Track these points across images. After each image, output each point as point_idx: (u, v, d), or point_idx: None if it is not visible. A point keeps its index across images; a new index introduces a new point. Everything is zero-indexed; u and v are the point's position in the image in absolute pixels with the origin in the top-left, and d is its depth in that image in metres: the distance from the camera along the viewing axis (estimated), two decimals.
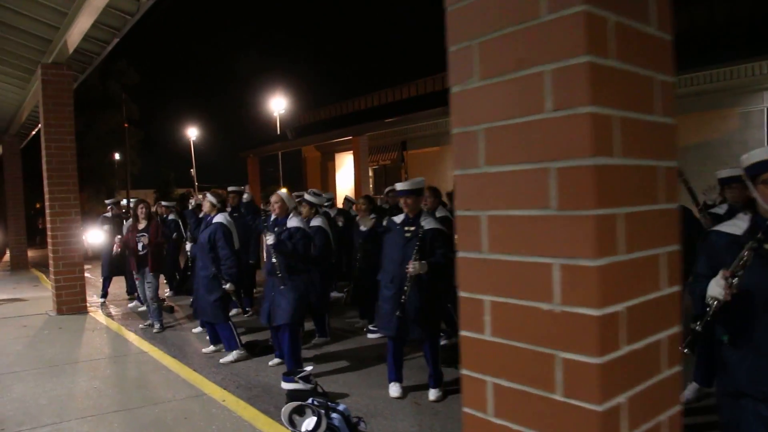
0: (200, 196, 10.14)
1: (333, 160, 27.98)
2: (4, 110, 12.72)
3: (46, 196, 8.52)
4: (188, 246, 7.91)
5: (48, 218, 8.51)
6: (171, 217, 10.83)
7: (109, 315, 8.65)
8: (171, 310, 8.80)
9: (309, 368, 4.84)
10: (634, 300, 1.29)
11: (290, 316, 5.27)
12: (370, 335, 6.89)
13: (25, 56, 8.77)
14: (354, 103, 26.60)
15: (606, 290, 1.21)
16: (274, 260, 5.32)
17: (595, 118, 1.19)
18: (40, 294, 10.66)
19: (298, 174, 33.43)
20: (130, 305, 9.32)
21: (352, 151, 26.10)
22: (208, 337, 6.43)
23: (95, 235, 11.11)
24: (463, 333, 1.48)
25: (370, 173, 23.61)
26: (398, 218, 4.90)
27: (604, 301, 1.21)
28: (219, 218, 6.02)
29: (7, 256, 16.59)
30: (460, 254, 1.47)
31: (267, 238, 5.32)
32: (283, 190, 5.88)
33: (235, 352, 5.91)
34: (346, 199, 9.83)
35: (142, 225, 7.52)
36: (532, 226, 1.29)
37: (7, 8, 7.30)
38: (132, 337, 6.89)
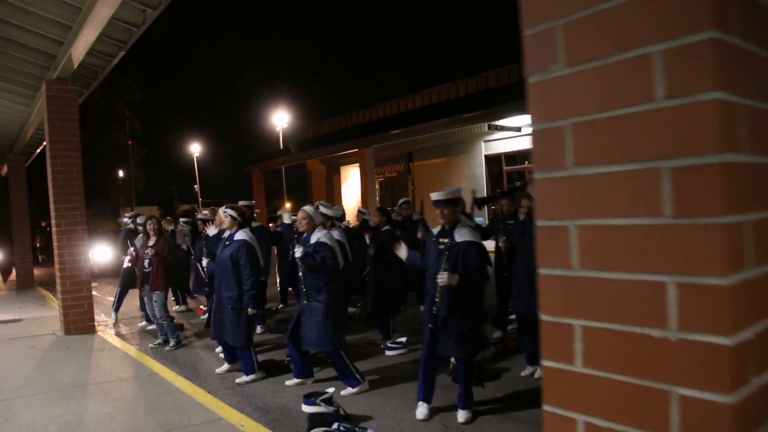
0: (206, 212, 10.01)
1: (338, 173, 27.83)
2: (9, 128, 12.59)
3: (52, 214, 8.35)
4: (204, 262, 7.68)
5: (54, 236, 8.33)
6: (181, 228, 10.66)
7: (118, 334, 8.45)
8: (180, 328, 8.58)
9: (331, 390, 4.61)
10: (763, 323, 1.08)
11: (330, 342, 5.20)
12: (389, 352, 6.66)
13: (30, 72, 8.64)
14: (359, 116, 26.50)
15: (738, 313, 1.00)
16: (299, 273, 5.29)
17: (723, 106, 0.98)
18: (47, 313, 10.47)
19: (303, 188, 33.31)
20: (140, 324, 9.11)
21: (358, 164, 25.98)
22: (222, 356, 6.20)
23: (102, 252, 10.97)
24: (546, 363, 1.27)
25: (377, 185, 23.40)
26: (436, 229, 4.68)
27: (736, 326, 1.00)
28: (242, 235, 5.78)
29: (13, 275, 16.42)
30: (542, 271, 1.26)
31: (295, 250, 5.20)
32: (309, 206, 5.63)
33: (253, 374, 5.68)
34: (360, 212, 9.61)
35: (152, 241, 7.34)
36: (638, 237, 1.09)
37: (10, 24, 7.17)
38: (142, 358, 6.67)
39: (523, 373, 5.54)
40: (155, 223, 7.41)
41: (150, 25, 7.30)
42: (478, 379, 5.34)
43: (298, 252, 5.16)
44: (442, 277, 4.28)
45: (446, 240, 4.46)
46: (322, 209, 6.71)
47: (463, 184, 22.12)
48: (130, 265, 8.51)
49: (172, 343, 7.38)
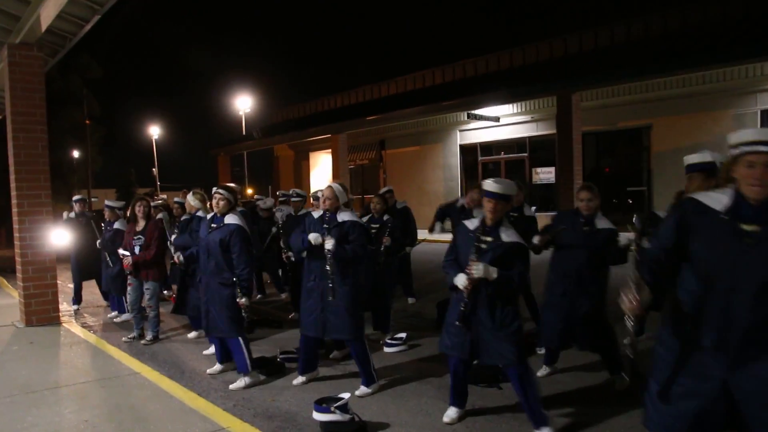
0: (175, 196, 9.33)
1: (307, 159, 27.19)
2: None
3: (13, 193, 7.59)
4: (172, 249, 6.90)
5: (15, 217, 7.57)
6: (159, 216, 9.92)
7: (85, 326, 7.76)
8: None
9: (346, 396, 4.12)
10: None
11: (355, 328, 4.81)
12: (387, 349, 6.20)
13: None
14: (330, 101, 25.84)
15: None
16: (327, 267, 4.75)
17: None
18: (3, 302, 9.67)
19: (267, 173, 32.37)
20: (110, 315, 8.40)
21: (328, 150, 25.37)
22: (215, 356, 5.61)
23: (60, 236, 10.10)
24: None
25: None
26: (471, 223, 4.11)
27: None
28: (233, 219, 5.19)
29: None
30: None
31: (326, 242, 4.70)
32: (335, 183, 5.07)
33: (247, 378, 5.10)
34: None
35: (140, 226, 6.70)
36: None
37: None
38: (117, 354, 6.04)
39: (539, 373, 5.13)
40: (145, 206, 6.76)
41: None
42: (493, 379, 4.95)
43: (330, 245, 4.67)
44: (477, 268, 3.77)
45: (489, 239, 3.92)
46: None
47: (436, 173, 21.80)
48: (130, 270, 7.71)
49: (149, 336, 6.77)
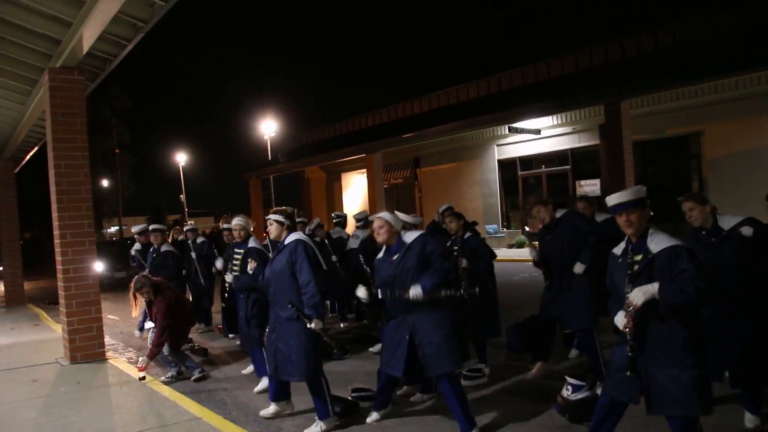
0: (205, 221, 8.91)
1: (339, 180, 26.79)
2: (0, 130, 11.41)
3: (55, 224, 7.22)
4: (228, 277, 6.43)
5: (58, 249, 7.19)
6: (200, 240, 9.52)
7: (132, 362, 7.32)
8: (204, 353, 7.48)
9: None
10: None
11: (455, 360, 4.29)
12: (465, 382, 5.61)
13: (29, 62, 7.52)
14: (360, 121, 25.50)
15: None
16: (412, 293, 4.23)
17: None
18: (44, 335, 9.30)
19: (296, 196, 32.08)
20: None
21: (361, 170, 24.95)
22: (269, 393, 5.07)
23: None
24: None
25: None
26: (618, 249, 3.48)
27: None
28: (293, 236, 4.72)
29: (1, 291, 15.15)
30: None
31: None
32: (385, 212, 4.62)
33: (323, 424, 4.56)
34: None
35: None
36: None
37: (10, 2, 6.11)
38: (172, 395, 5.56)
39: None
40: (147, 292, 6.38)
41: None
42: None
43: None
44: (635, 294, 3.09)
45: (639, 256, 3.28)
46: (400, 216, 5.65)
47: (474, 190, 21.20)
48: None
49: (195, 374, 6.30)
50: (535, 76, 19.04)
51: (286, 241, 4.72)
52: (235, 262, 5.99)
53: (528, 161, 19.87)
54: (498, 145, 20.33)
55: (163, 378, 6.31)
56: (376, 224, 4.51)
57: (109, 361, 7.17)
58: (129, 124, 42.80)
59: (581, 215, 5.70)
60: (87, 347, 7.19)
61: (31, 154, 13.36)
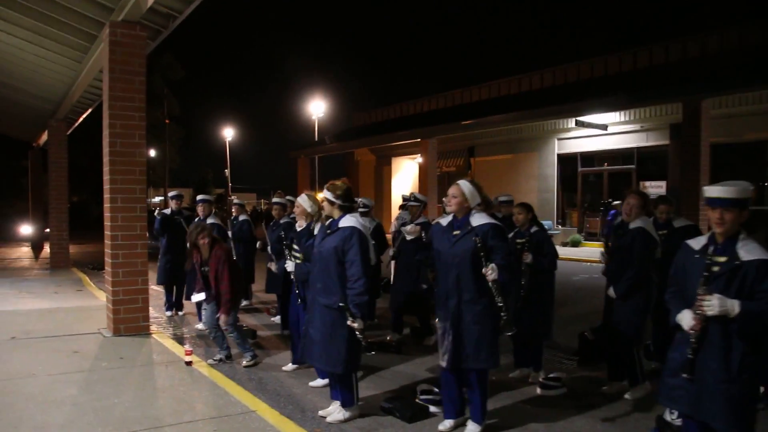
0: (246, 198, 8.44)
1: (389, 164, 26.23)
2: (55, 90, 11.15)
3: (106, 187, 6.82)
4: (289, 265, 5.54)
5: (107, 214, 6.80)
6: (242, 217, 9.14)
7: (177, 338, 6.90)
8: (253, 335, 7.02)
9: None
10: None
11: (496, 357, 4.04)
12: (542, 391, 5.02)
13: (89, 15, 7.14)
14: (415, 105, 24.83)
15: None
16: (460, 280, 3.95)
17: None
18: (87, 302, 8.98)
19: (340, 177, 31.62)
20: (197, 326, 7.55)
21: (412, 156, 24.35)
22: (331, 392, 4.57)
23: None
24: None
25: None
26: (696, 242, 3.11)
27: None
28: (350, 221, 4.19)
29: (46, 252, 15.07)
30: None
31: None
32: (465, 182, 4.11)
33: (347, 412, 4.29)
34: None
35: (205, 255, 5.81)
36: None
37: None
38: (222, 381, 5.07)
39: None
40: (207, 236, 5.80)
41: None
42: None
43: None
44: (711, 303, 2.84)
45: (722, 259, 2.94)
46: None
47: (530, 184, 20.37)
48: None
49: (248, 358, 5.82)
50: (605, 69, 18.07)
51: (341, 224, 4.19)
52: (296, 246, 5.38)
53: (590, 158, 18.96)
54: (559, 139, 19.46)
55: (210, 360, 5.85)
56: (450, 191, 4.09)
57: (153, 335, 6.77)
58: (179, 95, 42.93)
59: (648, 235, 4.96)
60: (131, 320, 6.79)
61: (84, 116, 13.12)
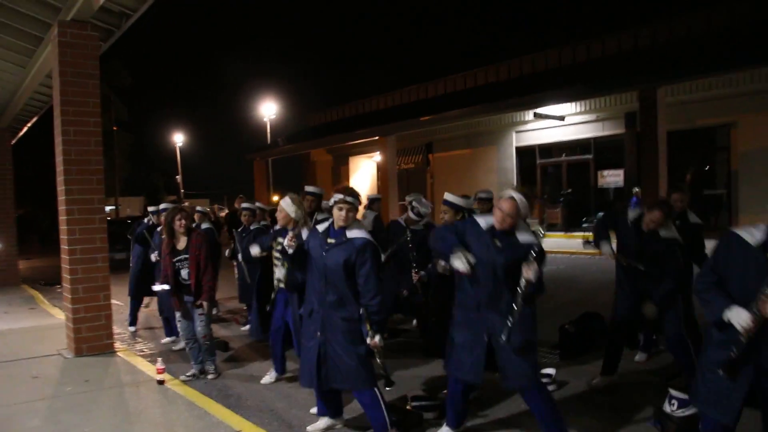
0: (198, 204, 8.07)
1: (347, 164, 25.97)
2: None
3: (61, 198, 6.40)
4: (279, 272, 5.09)
5: (64, 227, 6.38)
6: (205, 225, 8.74)
7: (143, 355, 6.53)
8: (225, 347, 6.70)
9: None
10: None
11: (535, 373, 3.67)
12: None
13: (35, 16, 6.68)
14: (371, 103, 24.63)
15: None
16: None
17: None
18: (42, 322, 8.48)
19: (296, 179, 31.15)
20: (163, 340, 7.18)
21: (369, 154, 24.19)
22: (318, 407, 4.30)
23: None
24: None
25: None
26: (750, 234, 2.88)
27: None
28: (361, 233, 3.88)
29: None
30: None
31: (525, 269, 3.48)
32: (520, 196, 3.65)
33: None
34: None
35: (181, 244, 5.44)
36: None
37: None
38: (198, 399, 4.77)
39: None
40: (185, 217, 5.44)
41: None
42: None
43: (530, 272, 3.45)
44: None
45: None
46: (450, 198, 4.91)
47: (490, 177, 20.39)
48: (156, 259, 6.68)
49: (211, 371, 5.55)
50: (560, 60, 18.22)
51: (351, 235, 3.85)
52: (279, 253, 4.97)
53: (548, 149, 19.11)
54: (517, 132, 19.55)
55: (182, 377, 5.53)
56: (506, 208, 3.59)
57: (118, 354, 6.39)
58: (127, 102, 41.62)
59: (682, 248, 4.90)
60: (94, 338, 6.39)
61: (30, 124, 12.46)
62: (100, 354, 6.32)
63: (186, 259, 5.42)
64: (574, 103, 17.11)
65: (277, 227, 5.14)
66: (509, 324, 3.47)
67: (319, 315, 3.88)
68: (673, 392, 4.14)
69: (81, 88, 6.32)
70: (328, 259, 3.86)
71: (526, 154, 19.61)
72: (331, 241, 3.91)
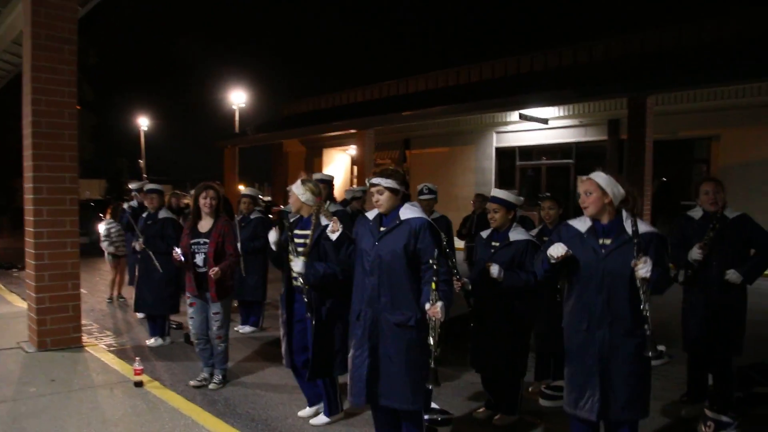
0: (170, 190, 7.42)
1: (320, 156, 25.35)
2: None
3: (28, 175, 5.77)
4: (296, 265, 4.00)
5: (30, 207, 5.75)
6: (254, 215, 7.60)
7: (115, 350, 5.95)
8: (188, 338, 6.14)
9: None
10: None
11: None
12: (544, 402, 4.57)
13: None
14: (349, 96, 24.06)
15: None
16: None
17: None
18: (1, 310, 7.78)
19: (265, 169, 30.45)
20: (149, 342, 6.48)
21: (343, 147, 23.68)
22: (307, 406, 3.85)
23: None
24: None
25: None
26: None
27: None
28: (415, 212, 3.33)
29: None
30: None
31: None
32: (600, 174, 3.12)
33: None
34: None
35: (204, 226, 4.90)
36: None
37: None
38: (182, 404, 4.24)
39: None
40: (215, 198, 4.92)
41: None
42: None
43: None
44: None
45: None
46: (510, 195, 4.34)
47: (467, 177, 20.09)
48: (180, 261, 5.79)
49: (218, 377, 4.99)
50: (545, 63, 17.98)
51: (404, 216, 3.32)
52: (298, 241, 4.15)
53: (528, 152, 18.86)
54: (497, 133, 19.25)
55: (192, 382, 4.96)
56: (582, 187, 3.12)
57: (86, 349, 5.79)
58: (93, 82, 40.16)
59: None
60: (60, 331, 5.78)
61: None
62: (67, 348, 5.72)
63: (205, 243, 4.84)
64: (558, 107, 16.91)
65: (290, 215, 4.52)
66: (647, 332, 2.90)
67: (368, 317, 3.33)
68: (710, 413, 3.90)
69: (56, 54, 5.70)
70: (382, 248, 3.31)
71: (505, 155, 19.34)
72: (382, 229, 3.37)
